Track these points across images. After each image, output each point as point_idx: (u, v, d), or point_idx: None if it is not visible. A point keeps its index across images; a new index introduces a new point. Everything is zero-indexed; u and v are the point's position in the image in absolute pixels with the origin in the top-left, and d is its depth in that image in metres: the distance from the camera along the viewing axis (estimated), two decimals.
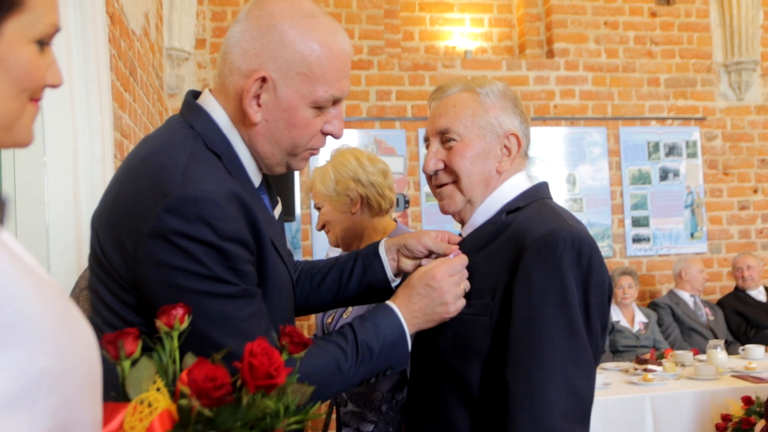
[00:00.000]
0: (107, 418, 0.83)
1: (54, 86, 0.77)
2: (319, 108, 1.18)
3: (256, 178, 1.24)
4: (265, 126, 1.17)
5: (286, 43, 1.14)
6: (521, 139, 1.43)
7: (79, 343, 0.72)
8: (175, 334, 0.91)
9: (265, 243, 1.15)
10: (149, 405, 0.82)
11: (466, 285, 1.33)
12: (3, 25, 0.67)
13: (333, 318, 2.11)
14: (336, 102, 1.21)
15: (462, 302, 1.32)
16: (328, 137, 1.26)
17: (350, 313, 2.03)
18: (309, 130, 1.19)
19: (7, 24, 0.68)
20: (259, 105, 1.16)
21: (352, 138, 5.11)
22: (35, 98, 0.75)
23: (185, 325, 0.91)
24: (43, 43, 0.74)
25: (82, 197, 2.32)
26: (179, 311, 0.91)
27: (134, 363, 0.87)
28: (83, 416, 0.73)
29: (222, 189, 1.09)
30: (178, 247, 1.04)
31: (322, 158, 2.25)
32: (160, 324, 0.91)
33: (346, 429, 2.04)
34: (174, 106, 4.86)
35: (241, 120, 1.19)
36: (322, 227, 2.14)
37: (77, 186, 2.28)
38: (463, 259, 1.35)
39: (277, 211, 1.36)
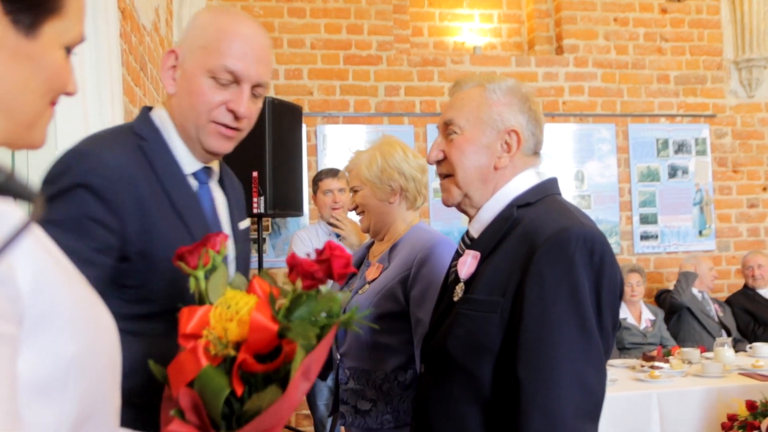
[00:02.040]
0: (184, 322, 0.93)
1: (70, 94, 0.81)
2: (215, 79, 1.27)
3: (189, 165, 1.33)
4: (177, 98, 1.30)
5: (195, 25, 1.31)
6: (522, 136, 1.43)
7: (103, 332, 0.76)
8: (201, 274, 1.01)
9: (151, 222, 1.22)
10: (230, 307, 0.92)
11: None
12: (43, 25, 0.72)
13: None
14: (237, 80, 1.29)
15: None
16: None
17: (366, 290, 2.06)
18: (206, 98, 1.28)
19: (46, 25, 0.72)
20: (173, 79, 1.31)
21: (360, 134, 5.12)
22: (53, 102, 0.78)
23: (218, 259, 1.02)
24: (69, 50, 0.77)
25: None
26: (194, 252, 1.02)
27: (208, 274, 1.00)
28: (105, 403, 0.76)
29: (119, 160, 1.20)
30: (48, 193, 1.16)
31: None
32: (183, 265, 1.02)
33: (343, 406, 2.06)
34: None
35: (169, 103, 1.32)
36: (355, 208, 2.19)
37: None
38: None
39: (245, 224, 1.45)
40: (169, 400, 0.96)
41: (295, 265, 0.97)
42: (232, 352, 0.90)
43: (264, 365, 0.91)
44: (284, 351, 0.91)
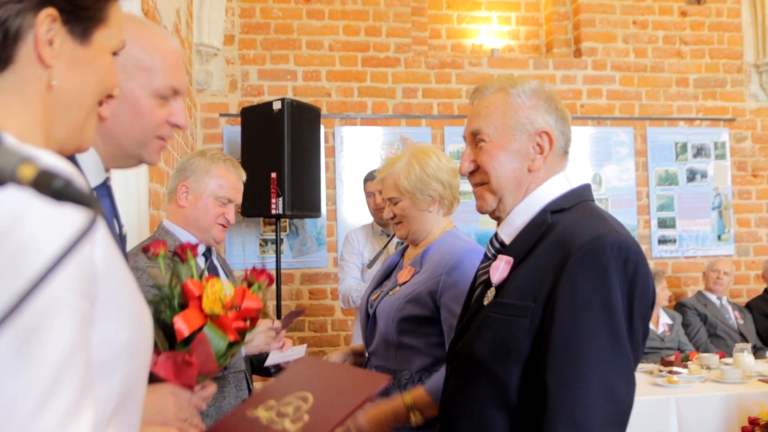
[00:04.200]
0: (191, 291, 1.35)
1: (112, 97, 0.91)
2: (161, 98, 1.25)
3: (96, 177, 1.27)
4: (114, 120, 1.24)
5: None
6: (554, 136, 1.43)
7: (145, 324, 0.83)
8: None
9: None
10: (224, 290, 1.36)
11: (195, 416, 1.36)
12: (94, 33, 0.82)
13: (378, 296, 2.17)
14: (176, 94, 1.28)
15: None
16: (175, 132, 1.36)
17: (397, 291, 2.08)
18: (155, 117, 1.25)
19: (96, 33, 0.82)
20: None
21: (377, 135, 5.13)
22: (100, 103, 0.87)
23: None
24: (115, 55, 0.88)
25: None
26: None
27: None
28: (139, 388, 0.84)
29: None
30: None
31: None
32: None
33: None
34: (202, 101, 4.92)
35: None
36: (392, 217, 2.16)
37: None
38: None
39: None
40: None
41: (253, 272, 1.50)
42: (227, 312, 1.35)
43: (245, 324, 1.40)
44: (256, 319, 1.43)
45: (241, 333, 1.40)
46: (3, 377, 0.62)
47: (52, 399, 0.64)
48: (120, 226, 1.42)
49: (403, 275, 2.11)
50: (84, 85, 0.82)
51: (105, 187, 1.33)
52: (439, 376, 1.86)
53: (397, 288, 2.09)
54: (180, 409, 1.34)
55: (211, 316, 1.34)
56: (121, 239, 1.41)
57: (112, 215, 1.34)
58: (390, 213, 2.16)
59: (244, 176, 2.19)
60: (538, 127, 1.42)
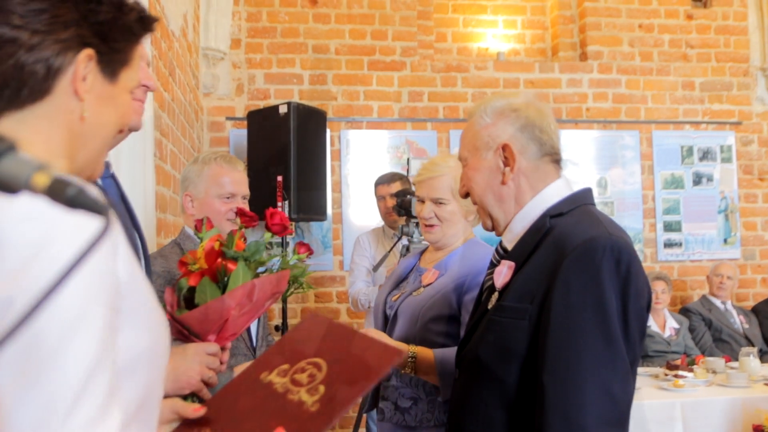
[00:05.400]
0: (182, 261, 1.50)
1: (134, 129, 1.03)
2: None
3: None
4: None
5: None
6: (515, 145, 1.45)
7: (163, 331, 0.90)
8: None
9: None
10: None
11: (213, 376, 1.44)
12: (120, 73, 0.91)
13: (399, 297, 2.19)
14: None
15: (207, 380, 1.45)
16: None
17: (421, 292, 2.11)
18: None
19: (122, 73, 0.92)
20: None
21: (383, 139, 5.14)
22: (115, 135, 0.95)
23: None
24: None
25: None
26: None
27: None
28: (158, 391, 0.90)
29: None
30: None
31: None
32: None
33: (383, 403, 2.12)
34: (209, 105, 4.94)
35: None
36: (431, 218, 2.13)
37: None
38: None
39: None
40: None
41: (239, 213, 1.63)
42: (203, 266, 1.48)
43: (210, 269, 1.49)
44: (227, 266, 1.46)
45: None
46: (36, 384, 0.69)
47: (81, 403, 0.70)
48: (133, 217, 1.48)
49: (427, 277, 2.14)
50: (108, 119, 0.90)
51: (111, 178, 1.40)
52: (450, 351, 1.86)
53: (422, 289, 2.12)
54: (206, 369, 1.45)
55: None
56: (136, 228, 1.49)
57: (123, 207, 1.44)
58: (431, 213, 2.12)
59: (240, 166, 2.19)
60: (498, 141, 1.47)
